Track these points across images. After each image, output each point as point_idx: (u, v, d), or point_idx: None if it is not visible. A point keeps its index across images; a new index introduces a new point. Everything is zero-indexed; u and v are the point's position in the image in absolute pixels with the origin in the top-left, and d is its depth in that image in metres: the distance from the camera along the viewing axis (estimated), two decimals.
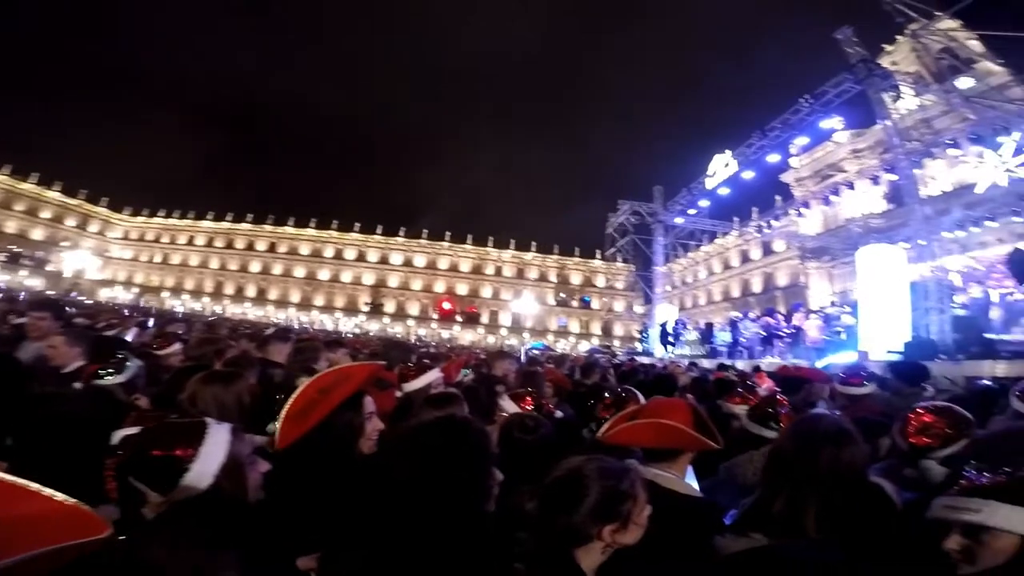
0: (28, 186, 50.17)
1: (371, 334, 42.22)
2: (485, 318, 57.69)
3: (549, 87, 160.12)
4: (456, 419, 1.41)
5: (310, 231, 59.16)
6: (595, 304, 58.63)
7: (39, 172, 51.17)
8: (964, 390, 5.90)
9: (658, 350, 20.43)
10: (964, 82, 17.34)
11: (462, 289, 58.59)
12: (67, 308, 8.45)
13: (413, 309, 57.17)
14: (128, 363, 2.40)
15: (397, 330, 52.88)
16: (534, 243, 60.79)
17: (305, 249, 58.52)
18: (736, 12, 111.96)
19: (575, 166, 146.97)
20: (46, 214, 51.70)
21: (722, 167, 18.09)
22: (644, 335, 27.09)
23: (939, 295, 10.61)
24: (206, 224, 59.49)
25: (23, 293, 19.50)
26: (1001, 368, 7.75)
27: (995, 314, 10.70)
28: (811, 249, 29.90)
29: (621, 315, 52.43)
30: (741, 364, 11.29)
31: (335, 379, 1.62)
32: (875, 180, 26.29)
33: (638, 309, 42.69)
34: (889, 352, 9.69)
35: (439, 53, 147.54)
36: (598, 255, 56.82)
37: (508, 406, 2.39)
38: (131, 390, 2.40)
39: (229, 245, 58.60)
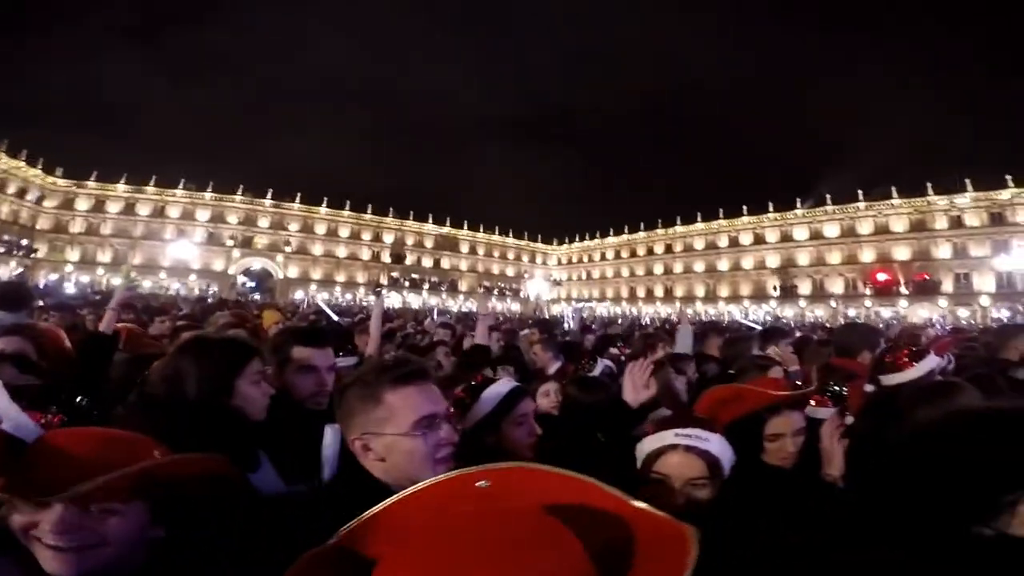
0: (496, 237, 70.29)
1: (783, 320, 38.40)
2: (948, 285, 43.30)
3: None
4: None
5: (698, 225, 59.45)
6: None
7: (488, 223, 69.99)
8: None
9: None
10: None
11: (901, 253, 45.91)
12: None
13: (835, 286, 48.62)
14: (595, 363, 2.89)
15: (818, 313, 46.14)
16: (1008, 176, 41.22)
17: (699, 243, 59.14)
18: None
19: None
20: (510, 255, 71.24)
21: None
22: None
23: None
24: (610, 240, 68.47)
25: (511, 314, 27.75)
26: None
27: None
28: None
29: None
30: None
31: (732, 395, 1.68)
32: None
33: None
34: None
35: None
36: None
37: None
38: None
39: (632, 254, 65.46)
